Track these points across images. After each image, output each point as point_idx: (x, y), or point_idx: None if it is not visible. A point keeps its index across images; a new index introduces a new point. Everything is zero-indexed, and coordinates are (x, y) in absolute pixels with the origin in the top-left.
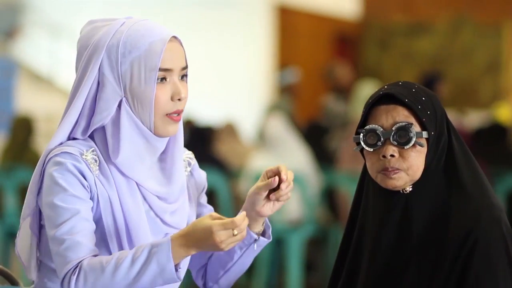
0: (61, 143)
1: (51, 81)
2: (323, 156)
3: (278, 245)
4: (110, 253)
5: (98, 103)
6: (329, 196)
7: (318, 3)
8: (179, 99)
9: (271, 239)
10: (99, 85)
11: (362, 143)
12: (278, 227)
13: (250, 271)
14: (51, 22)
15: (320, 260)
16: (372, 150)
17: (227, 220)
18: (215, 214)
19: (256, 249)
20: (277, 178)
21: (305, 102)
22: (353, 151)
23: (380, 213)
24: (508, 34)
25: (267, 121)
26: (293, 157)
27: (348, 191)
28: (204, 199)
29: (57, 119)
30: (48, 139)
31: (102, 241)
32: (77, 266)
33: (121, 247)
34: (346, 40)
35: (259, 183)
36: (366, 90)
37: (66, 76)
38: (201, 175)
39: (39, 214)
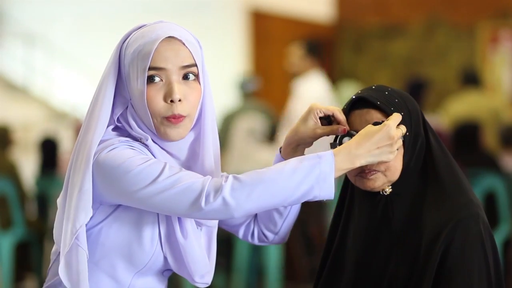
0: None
1: (26, 90)
2: None
3: (256, 249)
4: (158, 220)
5: (115, 106)
6: None
7: (291, 7)
8: (171, 101)
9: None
10: (118, 89)
11: None
12: None
13: (229, 276)
14: (26, 32)
15: None
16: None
17: (391, 116)
18: None
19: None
20: (342, 127)
21: (279, 107)
22: None
23: (362, 214)
24: (482, 36)
25: (235, 123)
26: (261, 156)
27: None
28: None
29: (33, 128)
30: (25, 148)
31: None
32: (215, 180)
33: (170, 222)
34: (320, 44)
35: (321, 128)
36: (348, 92)
37: (41, 85)
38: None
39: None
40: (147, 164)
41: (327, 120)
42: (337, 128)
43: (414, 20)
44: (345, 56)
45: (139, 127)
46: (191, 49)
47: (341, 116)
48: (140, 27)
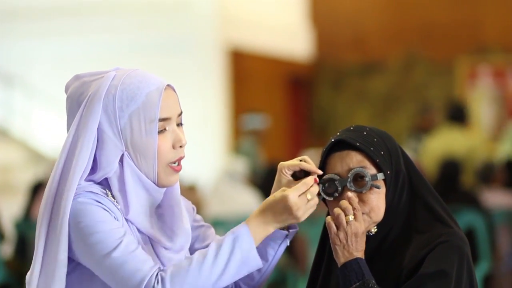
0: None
1: (5, 132)
2: None
3: None
4: None
5: (99, 160)
6: None
7: (270, 46)
8: (180, 146)
9: (297, 228)
10: (98, 142)
11: (322, 193)
12: None
13: None
14: (4, 73)
15: None
16: (332, 199)
17: (298, 184)
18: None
19: (288, 243)
20: (313, 177)
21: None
22: None
23: None
24: (460, 71)
25: (227, 164)
26: (241, 199)
27: (305, 234)
28: (199, 218)
29: (13, 169)
30: (5, 190)
31: None
32: (155, 276)
33: None
34: (299, 82)
35: (294, 184)
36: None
37: (21, 126)
38: (186, 200)
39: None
40: (106, 236)
41: (301, 174)
42: (309, 181)
43: (392, 57)
44: (324, 94)
45: (137, 177)
46: (178, 96)
47: (308, 166)
48: (113, 78)
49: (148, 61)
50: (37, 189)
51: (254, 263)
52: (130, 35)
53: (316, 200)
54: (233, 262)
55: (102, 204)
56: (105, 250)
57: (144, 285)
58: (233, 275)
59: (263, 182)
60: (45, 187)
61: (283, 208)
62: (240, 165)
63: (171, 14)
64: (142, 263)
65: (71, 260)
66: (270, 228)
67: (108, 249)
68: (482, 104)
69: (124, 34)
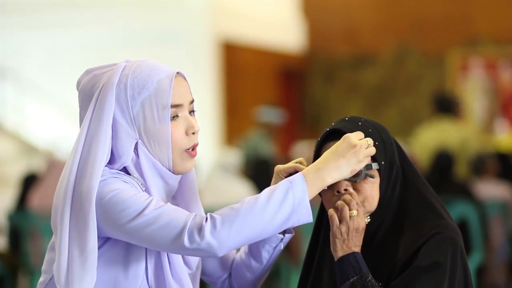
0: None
1: None
2: None
3: None
4: (146, 259)
5: (115, 149)
6: None
7: (262, 38)
8: (193, 133)
9: (293, 233)
10: (112, 132)
11: None
12: None
13: None
14: None
15: None
16: (326, 187)
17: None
18: None
19: (282, 247)
20: None
21: None
22: None
23: None
24: (452, 64)
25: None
26: (234, 191)
27: (298, 226)
28: None
29: (6, 162)
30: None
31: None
32: (198, 219)
33: (159, 258)
34: (292, 75)
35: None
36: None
37: (13, 119)
38: None
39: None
40: (134, 198)
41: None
42: None
43: (385, 49)
44: (316, 86)
45: (153, 164)
46: (188, 84)
47: (304, 167)
48: (123, 68)
49: (140, 53)
50: (30, 181)
51: (305, 211)
52: (122, 27)
53: (373, 149)
54: (285, 208)
55: (125, 180)
56: (135, 212)
57: (187, 229)
58: (283, 221)
59: (252, 173)
60: (38, 179)
61: (346, 147)
62: (233, 158)
63: (164, 7)
64: (178, 212)
65: (99, 239)
66: (328, 178)
67: (138, 210)
68: (474, 96)
69: (116, 26)
